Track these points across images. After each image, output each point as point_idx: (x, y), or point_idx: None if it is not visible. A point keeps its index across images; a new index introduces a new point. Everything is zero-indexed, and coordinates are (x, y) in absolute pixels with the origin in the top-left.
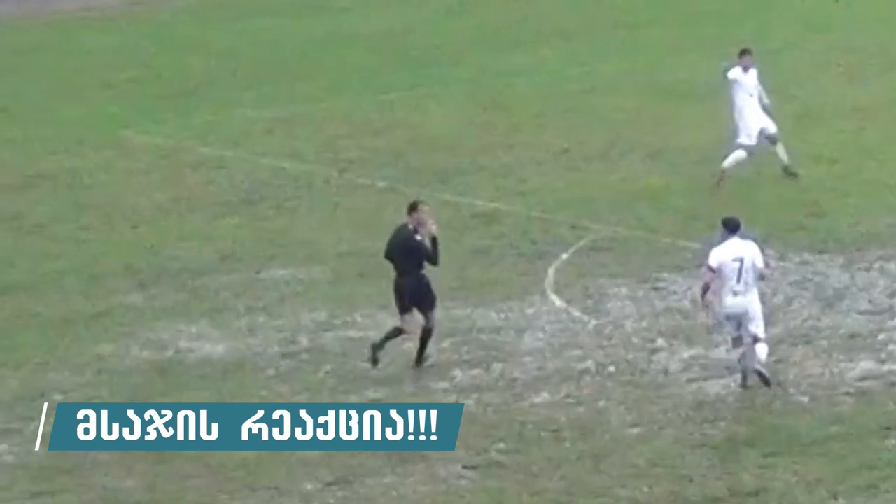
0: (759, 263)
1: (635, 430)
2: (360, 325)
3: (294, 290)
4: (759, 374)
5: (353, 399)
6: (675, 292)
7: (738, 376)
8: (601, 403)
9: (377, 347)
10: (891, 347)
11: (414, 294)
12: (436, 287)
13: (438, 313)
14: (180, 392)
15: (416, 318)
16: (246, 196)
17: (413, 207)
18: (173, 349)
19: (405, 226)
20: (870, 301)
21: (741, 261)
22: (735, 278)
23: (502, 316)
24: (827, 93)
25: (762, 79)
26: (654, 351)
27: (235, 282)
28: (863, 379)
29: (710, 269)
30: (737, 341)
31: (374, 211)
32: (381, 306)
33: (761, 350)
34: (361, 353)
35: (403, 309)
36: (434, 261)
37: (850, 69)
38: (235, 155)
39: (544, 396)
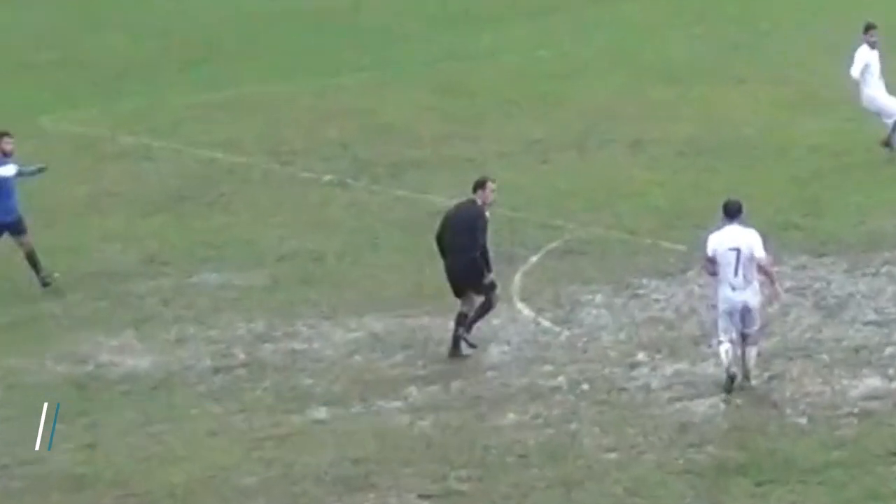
0: (759, 254)
1: (612, 455)
2: (302, 337)
3: (229, 297)
4: (742, 376)
5: (294, 419)
6: (657, 300)
7: (728, 394)
8: (573, 425)
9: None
10: None
11: (469, 276)
12: (387, 293)
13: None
14: (101, 411)
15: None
16: (176, 192)
17: (481, 184)
18: (93, 363)
19: (472, 202)
20: (876, 310)
21: (738, 251)
22: (732, 270)
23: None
24: (828, 76)
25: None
26: (634, 366)
27: (163, 288)
28: (868, 398)
29: (708, 258)
30: (723, 340)
31: (319, 208)
32: (326, 315)
33: (750, 357)
34: (304, 368)
35: (458, 293)
36: (482, 250)
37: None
38: (165, 145)
39: (510, 417)
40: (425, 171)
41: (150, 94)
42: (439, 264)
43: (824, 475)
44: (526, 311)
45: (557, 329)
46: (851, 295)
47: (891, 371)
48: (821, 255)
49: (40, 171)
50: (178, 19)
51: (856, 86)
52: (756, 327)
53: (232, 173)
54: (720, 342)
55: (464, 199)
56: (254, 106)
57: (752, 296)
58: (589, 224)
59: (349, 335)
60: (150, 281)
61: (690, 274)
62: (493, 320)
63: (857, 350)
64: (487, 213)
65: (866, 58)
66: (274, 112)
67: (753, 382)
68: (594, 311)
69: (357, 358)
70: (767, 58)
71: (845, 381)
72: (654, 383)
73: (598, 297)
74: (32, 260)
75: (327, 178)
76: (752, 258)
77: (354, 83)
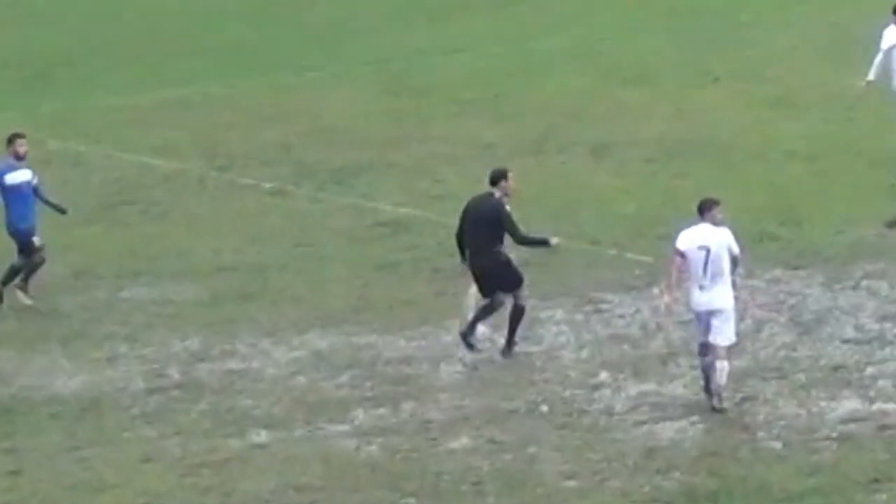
0: (737, 250)
1: (572, 483)
2: (241, 355)
3: (163, 313)
4: (710, 396)
5: (233, 443)
6: (621, 316)
7: (696, 416)
8: (532, 450)
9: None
10: (881, 383)
11: (493, 274)
12: (332, 309)
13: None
14: (26, 435)
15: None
16: (106, 200)
17: (503, 174)
18: (17, 384)
19: (490, 195)
20: (856, 327)
21: (707, 250)
22: (701, 269)
23: (413, 344)
24: (807, 76)
25: None
26: (596, 387)
27: (93, 303)
28: (847, 421)
29: (678, 251)
30: (703, 348)
31: (259, 217)
32: (267, 332)
33: (721, 373)
34: (243, 388)
35: (486, 292)
36: (521, 240)
37: (835, 49)
38: (94, 150)
39: (463, 441)
40: (373, 176)
41: (78, 95)
42: (387, 277)
43: (801, 503)
44: (481, 327)
45: (514, 347)
46: (829, 310)
47: (871, 392)
48: (797, 268)
49: (60, 210)
50: (108, 13)
51: (883, 73)
52: (724, 337)
53: (167, 180)
54: (700, 356)
55: (481, 191)
56: (190, 107)
57: (719, 298)
58: (548, 234)
59: (291, 353)
60: (78, 295)
61: (657, 288)
62: (445, 337)
63: (835, 369)
64: (508, 207)
65: (894, 38)
66: (212, 114)
67: (725, 405)
68: (554, 328)
69: (300, 378)
70: (744, 54)
71: (823, 403)
72: (618, 405)
73: (558, 313)
74: (12, 273)
75: (268, 184)
76: (721, 257)
77: (297, 82)
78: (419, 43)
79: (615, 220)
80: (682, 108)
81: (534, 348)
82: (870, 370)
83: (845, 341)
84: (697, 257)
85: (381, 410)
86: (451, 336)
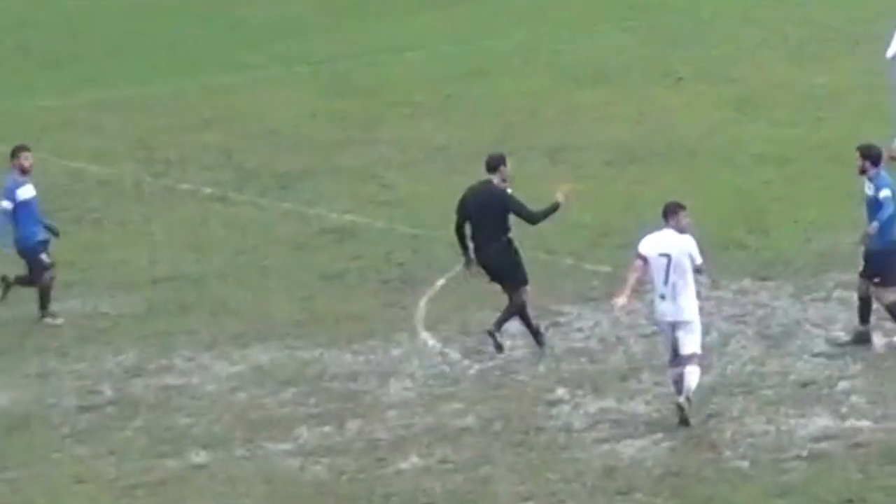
0: (698, 259)
1: None
2: (179, 371)
3: (97, 326)
4: (680, 409)
5: (170, 464)
6: (579, 329)
7: (659, 434)
8: (485, 469)
9: (496, 332)
10: (853, 399)
11: (502, 264)
12: (275, 321)
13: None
14: None
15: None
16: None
17: (501, 160)
18: None
19: (489, 182)
20: (827, 340)
21: (668, 257)
22: (662, 278)
23: (361, 359)
24: (775, 76)
25: None
26: (553, 403)
27: (23, 316)
28: (818, 439)
29: (639, 255)
30: (674, 359)
31: (198, 225)
32: (206, 346)
33: (690, 376)
34: (181, 406)
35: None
36: (533, 218)
37: (806, 46)
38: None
39: (413, 461)
40: (318, 182)
41: (7, 97)
42: (333, 288)
43: None
44: (431, 341)
45: (467, 362)
46: (799, 323)
47: (843, 409)
48: (765, 278)
49: (53, 231)
50: (40, 11)
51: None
52: (690, 347)
53: (101, 186)
54: (669, 369)
55: (476, 182)
56: (125, 110)
57: (682, 309)
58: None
59: (232, 368)
60: (6, 309)
61: (618, 300)
62: (394, 351)
63: (805, 385)
64: (510, 190)
65: None
66: (147, 116)
67: (689, 410)
68: (508, 342)
69: (241, 394)
70: (708, 52)
71: (792, 420)
72: (577, 423)
73: (513, 326)
74: (13, 281)
75: (208, 190)
76: (684, 266)
77: (238, 83)
78: (366, 41)
79: (572, 228)
80: (644, 110)
81: (488, 363)
82: (842, 385)
83: (816, 355)
84: (658, 265)
85: (327, 429)
86: (401, 350)
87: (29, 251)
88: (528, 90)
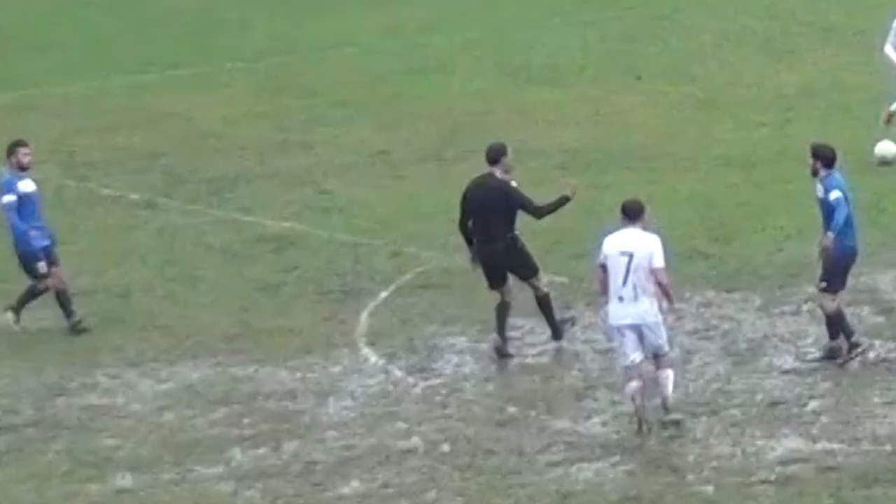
0: (658, 263)
1: None
2: (103, 389)
3: (16, 343)
4: (666, 415)
5: (93, 488)
6: (532, 345)
7: (617, 457)
8: (431, 494)
9: (502, 339)
10: (824, 420)
11: (507, 262)
12: (206, 337)
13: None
14: None
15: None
16: None
17: (502, 151)
18: None
19: (491, 175)
20: (796, 356)
21: (630, 256)
22: (621, 278)
23: (297, 376)
24: (740, 73)
25: None
26: (504, 423)
27: None
28: (787, 461)
29: (600, 265)
30: (629, 370)
31: (124, 233)
32: (132, 363)
33: (666, 379)
34: (105, 426)
35: (496, 283)
36: (540, 212)
37: (774, 41)
38: None
39: (354, 486)
40: (252, 187)
41: None
42: (269, 301)
43: None
44: (374, 357)
45: (411, 380)
46: (767, 338)
47: (814, 430)
48: (730, 289)
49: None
50: None
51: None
52: (658, 346)
53: None
54: (626, 379)
55: (477, 175)
56: (44, 110)
57: (644, 311)
58: (450, 252)
59: (159, 387)
60: None
61: (573, 312)
62: (333, 368)
63: (773, 404)
64: (515, 183)
65: None
66: (69, 117)
67: (678, 416)
68: (456, 358)
69: (169, 414)
70: (669, 49)
71: (759, 442)
72: (529, 444)
73: (461, 341)
74: (19, 305)
75: (134, 196)
76: (646, 267)
77: (165, 81)
78: (304, 36)
79: (525, 237)
80: (600, 111)
81: (433, 380)
82: (812, 405)
83: (785, 372)
84: (618, 264)
85: (261, 451)
86: (341, 367)
87: (27, 255)
88: (476, 90)
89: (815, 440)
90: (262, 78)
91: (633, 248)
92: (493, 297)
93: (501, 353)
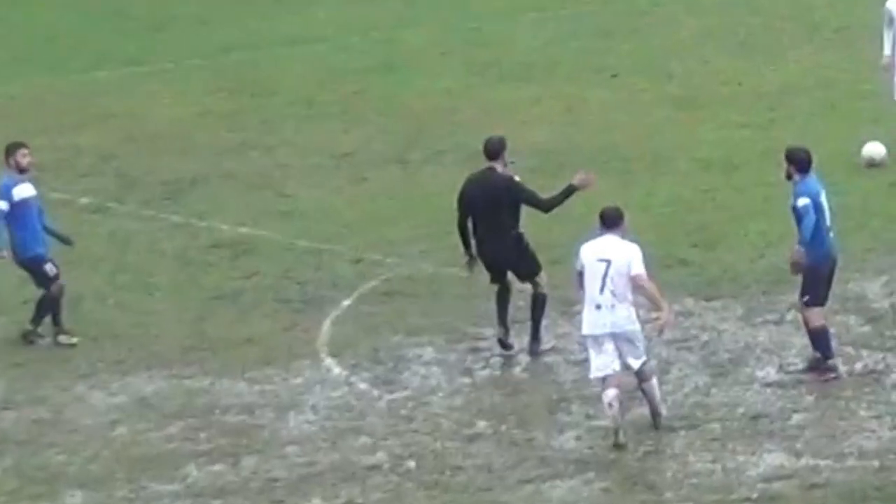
0: (637, 269)
1: None
2: (52, 402)
3: None
4: (655, 417)
5: None
6: (501, 355)
7: (592, 474)
8: None
9: (504, 329)
10: (809, 434)
11: (512, 257)
12: (160, 347)
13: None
14: None
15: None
16: None
17: (502, 145)
18: None
19: (491, 170)
20: (780, 368)
21: (608, 263)
22: (598, 285)
23: (256, 388)
24: (721, 71)
25: None
26: (473, 438)
27: None
28: (770, 478)
29: (578, 274)
30: (606, 381)
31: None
32: (83, 375)
33: (652, 390)
34: (54, 441)
35: (500, 279)
36: (548, 205)
37: (756, 37)
38: None
39: (315, 503)
40: (208, 190)
41: None
42: (226, 309)
43: None
44: (337, 369)
45: (376, 392)
46: (749, 348)
47: (798, 444)
48: (711, 298)
49: (65, 241)
50: None
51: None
52: (636, 357)
53: None
54: (603, 389)
55: (475, 172)
56: None
57: (622, 319)
58: (416, 259)
59: (111, 400)
60: None
61: (545, 322)
62: (294, 380)
63: (755, 418)
64: (518, 177)
65: None
66: (14, 117)
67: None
68: (422, 370)
69: (121, 429)
70: (646, 45)
71: (741, 458)
72: (499, 460)
73: (428, 352)
74: (33, 326)
75: (84, 200)
76: (625, 275)
77: (117, 79)
78: (263, 32)
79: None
80: (574, 109)
81: (398, 393)
82: (796, 418)
83: (767, 385)
84: (595, 270)
85: (219, 467)
86: (302, 379)
87: (30, 262)
88: (444, 88)
89: (799, 456)
90: (220, 75)
91: (611, 255)
92: (461, 308)
93: (504, 345)
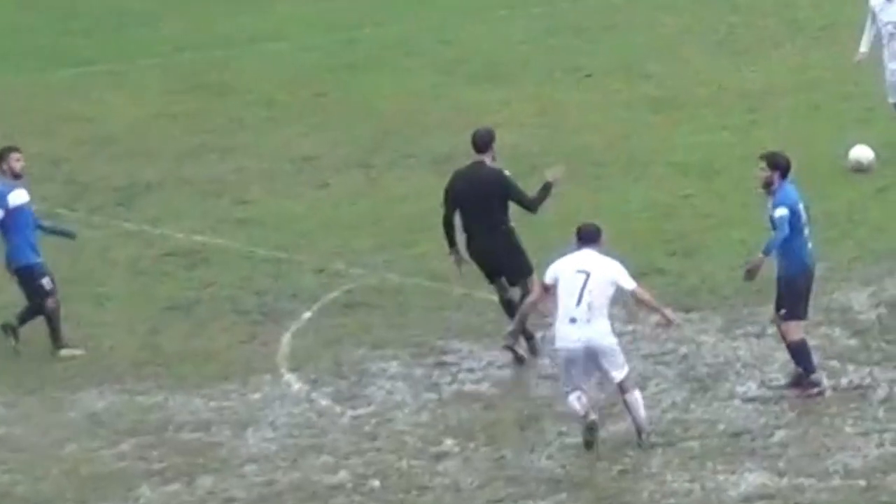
0: (629, 285)
1: None
2: None
3: None
4: (640, 434)
5: None
6: (470, 370)
7: (564, 494)
8: None
9: (514, 334)
10: (792, 452)
11: (503, 255)
12: (112, 361)
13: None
14: None
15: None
16: None
17: (491, 137)
18: None
19: (481, 163)
20: (762, 383)
21: (587, 275)
22: (575, 298)
23: (213, 404)
24: (699, 70)
25: None
26: (440, 457)
27: None
28: (752, 498)
29: (544, 285)
30: (577, 399)
31: None
32: (29, 390)
33: (635, 402)
34: (1, 460)
35: (495, 275)
36: (534, 204)
37: (737, 36)
38: None
39: None
40: (163, 196)
41: None
42: (180, 321)
43: None
44: (297, 384)
45: (338, 408)
46: (729, 362)
47: (781, 463)
48: (689, 309)
49: (68, 234)
50: None
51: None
52: (618, 369)
53: None
54: (566, 392)
55: (463, 166)
56: None
57: (599, 333)
58: (380, 268)
59: (61, 417)
60: None
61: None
62: (252, 395)
63: (736, 435)
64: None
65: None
66: None
67: (651, 438)
68: (387, 384)
69: (71, 447)
70: (622, 44)
71: (721, 477)
72: (467, 480)
73: (393, 366)
74: (18, 323)
75: (34, 206)
76: (603, 289)
77: (68, 80)
78: (222, 30)
79: (463, 251)
80: (546, 111)
81: (362, 410)
82: (778, 436)
83: (748, 400)
84: (573, 282)
85: (173, 487)
86: (261, 394)
87: (24, 272)
88: (411, 88)
89: (781, 475)
90: (176, 76)
91: (591, 267)
92: (428, 320)
93: (515, 356)
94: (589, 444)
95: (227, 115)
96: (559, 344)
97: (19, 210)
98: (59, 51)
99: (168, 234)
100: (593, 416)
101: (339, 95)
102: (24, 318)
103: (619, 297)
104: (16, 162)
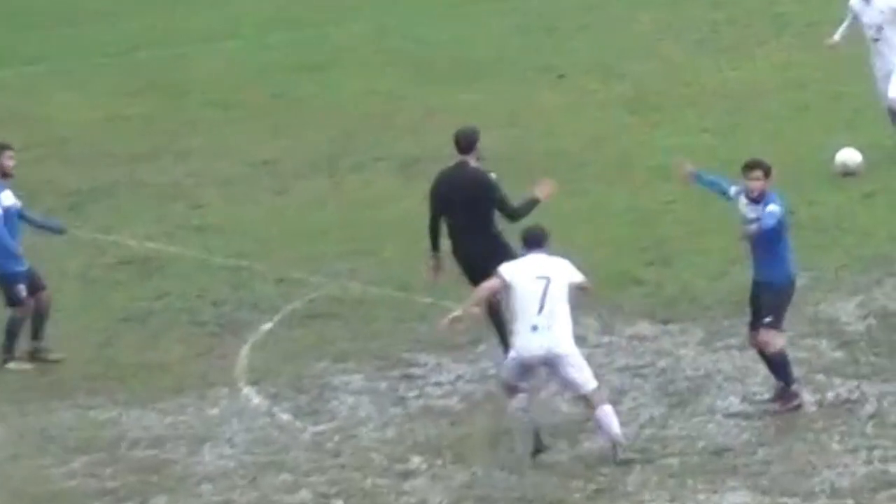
0: (580, 278)
1: None
2: None
3: None
4: (615, 447)
5: None
6: (438, 383)
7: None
8: None
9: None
10: (776, 470)
11: (490, 259)
12: (62, 374)
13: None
14: None
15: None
16: None
17: (476, 136)
18: None
19: (464, 164)
20: (744, 397)
21: (547, 281)
22: (536, 306)
23: (168, 420)
24: (679, 70)
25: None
26: (406, 475)
27: None
28: None
29: (500, 276)
30: (512, 390)
31: None
32: (12, 399)
33: (606, 417)
34: None
35: (480, 280)
36: (515, 214)
37: (718, 34)
38: None
39: None
40: (115, 202)
41: None
42: (134, 332)
43: None
44: (256, 398)
45: (299, 424)
46: (709, 376)
47: (764, 481)
48: (667, 320)
49: (58, 230)
50: None
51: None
52: (585, 381)
53: None
54: (508, 389)
55: (447, 166)
56: None
57: (559, 340)
58: (344, 276)
59: (9, 433)
60: None
61: (484, 347)
62: (209, 410)
63: (717, 452)
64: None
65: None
66: None
67: (628, 454)
68: (351, 399)
69: (20, 464)
70: (596, 43)
71: (702, 496)
72: (435, 499)
73: (356, 379)
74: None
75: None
76: (563, 293)
77: (14, 79)
78: (175, 28)
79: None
80: (518, 113)
81: (324, 425)
82: (761, 453)
83: (730, 416)
84: (533, 289)
85: None
86: (218, 409)
87: (6, 278)
88: (377, 89)
89: (765, 493)
90: (129, 75)
91: (549, 272)
92: (393, 331)
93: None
94: (538, 449)
95: (183, 116)
96: (521, 353)
97: (7, 212)
98: (7, 49)
99: (121, 241)
100: (535, 420)
101: (301, 96)
102: (10, 332)
103: (593, 310)
104: (8, 160)
